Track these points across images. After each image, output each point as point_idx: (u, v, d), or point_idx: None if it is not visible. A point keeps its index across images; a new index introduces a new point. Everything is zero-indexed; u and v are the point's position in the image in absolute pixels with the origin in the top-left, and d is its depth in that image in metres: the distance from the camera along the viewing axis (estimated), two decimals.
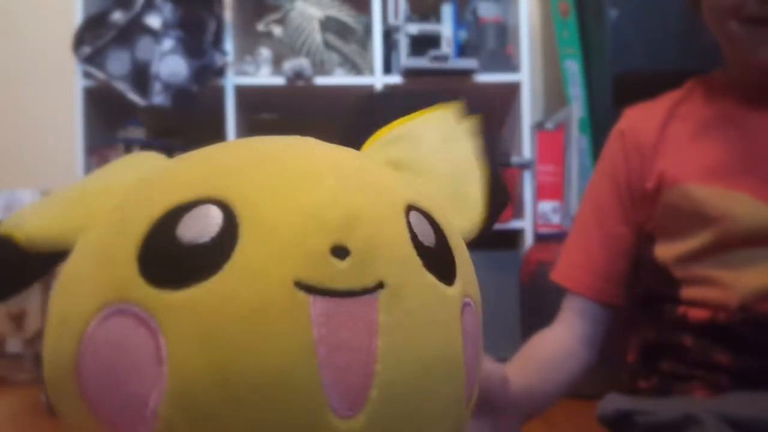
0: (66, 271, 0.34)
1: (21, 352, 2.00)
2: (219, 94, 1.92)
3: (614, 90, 1.82)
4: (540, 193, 1.95)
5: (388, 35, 2.01)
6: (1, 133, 2.30)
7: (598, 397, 0.70)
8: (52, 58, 2.20)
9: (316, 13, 1.97)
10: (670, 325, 0.69)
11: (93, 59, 1.85)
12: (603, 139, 0.79)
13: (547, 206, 1.94)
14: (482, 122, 0.44)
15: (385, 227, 0.32)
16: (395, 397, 0.30)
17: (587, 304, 0.74)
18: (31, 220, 0.35)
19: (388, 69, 1.99)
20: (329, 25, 1.98)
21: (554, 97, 2.21)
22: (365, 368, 0.29)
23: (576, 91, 1.99)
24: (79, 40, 1.87)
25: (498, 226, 0.43)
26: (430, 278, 0.33)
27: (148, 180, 0.35)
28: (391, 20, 2.00)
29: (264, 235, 0.30)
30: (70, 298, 0.32)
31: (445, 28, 2.04)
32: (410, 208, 0.34)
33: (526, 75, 1.95)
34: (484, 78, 1.95)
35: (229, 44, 1.94)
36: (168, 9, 1.84)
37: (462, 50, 2.08)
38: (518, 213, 1.94)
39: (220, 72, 1.91)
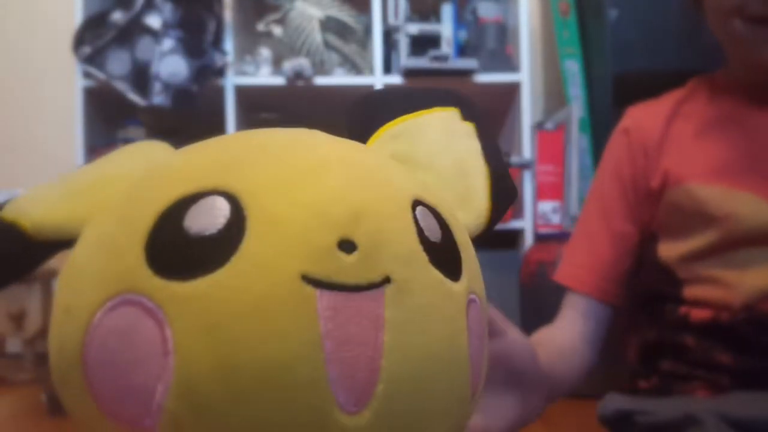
0: (71, 261, 0.34)
1: (21, 352, 2.00)
2: (219, 94, 1.92)
3: (614, 90, 1.82)
4: (540, 193, 1.95)
5: (388, 35, 2.01)
6: (1, 133, 2.30)
7: (598, 397, 0.70)
8: (52, 58, 2.20)
9: (316, 13, 1.97)
10: (671, 324, 0.69)
11: (93, 59, 1.85)
12: (603, 139, 0.79)
13: (547, 206, 1.94)
14: (481, 125, 0.44)
15: (392, 222, 0.32)
16: (400, 393, 0.30)
17: (592, 304, 0.74)
18: (36, 206, 0.35)
19: (388, 69, 1.99)
20: (329, 25, 1.98)
21: (554, 97, 2.21)
22: (371, 363, 0.29)
23: (576, 91, 1.99)
24: (79, 40, 1.87)
25: (498, 226, 0.43)
26: (436, 274, 0.33)
27: (154, 171, 0.35)
28: (391, 20, 2.00)
29: (271, 228, 0.30)
30: (76, 289, 0.32)
31: (445, 28, 2.04)
32: (416, 203, 0.34)
33: (526, 75, 1.95)
34: (484, 78, 1.95)
35: (229, 44, 1.94)
36: (168, 9, 1.84)
37: (462, 50, 2.08)
38: (518, 213, 1.94)
39: (220, 72, 1.91)
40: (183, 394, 0.29)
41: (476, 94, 2.02)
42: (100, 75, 1.84)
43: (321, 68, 1.96)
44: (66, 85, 1.96)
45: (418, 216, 0.34)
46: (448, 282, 0.34)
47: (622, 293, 0.75)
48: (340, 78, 1.97)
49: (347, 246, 0.30)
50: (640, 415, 0.65)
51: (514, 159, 1.94)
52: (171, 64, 1.81)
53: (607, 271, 0.74)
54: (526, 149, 1.94)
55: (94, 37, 1.86)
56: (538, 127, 1.98)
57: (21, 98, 2.29)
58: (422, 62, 1.91)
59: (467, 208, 0.41)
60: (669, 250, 0.71)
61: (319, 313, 0.29)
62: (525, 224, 1.91)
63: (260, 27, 2.05)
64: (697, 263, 0.67)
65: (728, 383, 0.64)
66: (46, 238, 0.35)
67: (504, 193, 0.43)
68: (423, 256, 0.33)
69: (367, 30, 2.03)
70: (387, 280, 0.30)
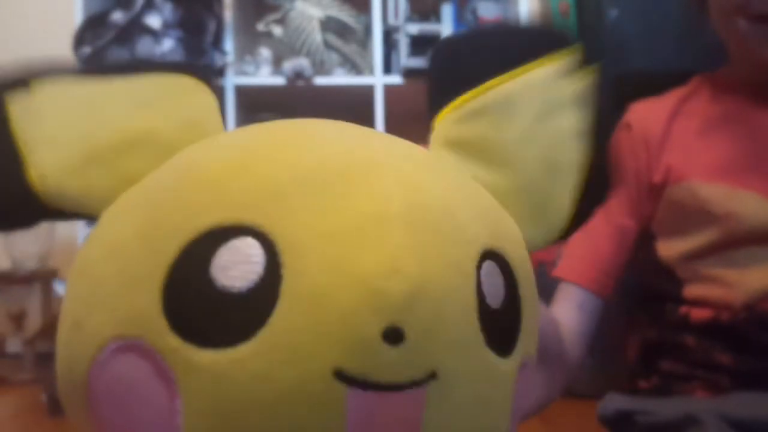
0: (85, 260, 0.31)
1: (21, 352, 2.00)
2: (219, 94, 1.91)
3: (614, 90, 1.82)
4: None
5: (388, 35, 2.01)
6: None
7: (598, 397, 0.70)
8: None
9: (316, 13, 1.97)
10: (671, 324, 0.69)
11: (93, 59, 1.85)
12: None
13: None
14: (600, 74, 0.38)
15: (452, 301, 0.27)
16: None
17: (588, 296, 0.73)
18: (50, 156, 0.31)
19: (388, 69, 1.98)
20: (329, 25, 1.98)
21: None
22: None
23: None
24: (79, 40, 1.87)
25: None
26: (489, 358, 0.29)
27: (184, 169, 0.30)
28: (391, 20, 2.00)
29: (309, 302, 0.25)
30: (87, 304, 0.30)
31: (445, 28, 2.04)
32: (484, 256, 0.30)
33: None
34: None
35: (229, 44, 1.94)
36: (168, 9, 1.84)
37: None
38: None
39: (220, 72, 1.91)
40: None
41: None
42: None
43: (321, 68, 1.96)
44: None
45: (484, 278, 0.29)
46: (500, 362, 0.30)
47: (615, 288, 0.75)
48: (340, 78, 1.96)
49: (394, 336, 0.25)
50: (640, 415, 0.65)
51: None
52: None
53: (605, 265, 0.74)
54: None
55: (94, 37, 1.86)
56: None
57: None
58: (422, 62, 1.91)
59: (542, 218, 0.37)
60: (669, 249, 0.70)
61: (347, 416, 0.25)
62: None
63: (260, 27, 2.05)
64: (698, 262, 0.67)
65: (728, 384, 0.64)
66: (60, 206, 0.31)
67: (601, 180, 0.38)
68: (479, 339, 0.29)
69: (367, 30, 2.03)
70: (433, 375, 0.26)
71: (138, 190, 0.31)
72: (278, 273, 0.26)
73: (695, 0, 0.73)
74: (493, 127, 0.36)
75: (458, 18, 2.08)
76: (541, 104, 0.37)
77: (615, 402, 0.68)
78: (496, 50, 0.38)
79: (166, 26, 1.83)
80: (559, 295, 0.74)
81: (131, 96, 0.33)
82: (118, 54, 1.84)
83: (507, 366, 0.30)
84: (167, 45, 1.82)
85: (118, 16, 1.86)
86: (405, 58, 1.96)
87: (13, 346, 2.10)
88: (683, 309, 0.68)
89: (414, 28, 2.01)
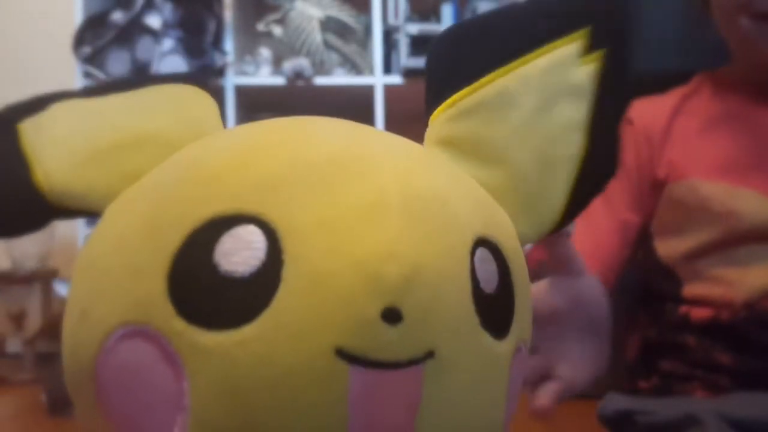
0: (90, 253, 0.32)
1: (21, 352, 2.00)
2: (219, 94, 1.91)
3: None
4: None
5: (388, 35, 2.01)
6: None
7: (598, 397, 0.70)
8: (52, 58, 2.20)
9: (316, 13, 1.97)
10: (671, 324, 0.69)
11: (93, 59, 1.85)
12: None
13: None
14: (615, 46, 0.37)
15: (447, 284, 0.29)
16: None
17: None
18: (56, 159, 0.32)
19: (388, 69, 1.99)
20: (329, 25, 1.98)
21: None
22: None
23: None
24: (79, 40, 1.87)
25: None
26: (484, 340, 0.30)
27: (189, 168, 0.31)
28: (391, 20, 2.00)
29: (310, 284, 0.27)
30: (94, 294, 0.30)
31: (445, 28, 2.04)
32: (478, 243, 0.31)
33: None
34: None
35: (229, 44, 1.94)
36: (168, 9, 1.84)
37: None
38: None
39: (220, 72, 1.91)
40: None
41: None
42: (100, 75, 1.84)
43: (321, 68, 1.96)
44: (66, 85, 1.96)
45: (477, 264, 0.30)
46: (495, 344, 0.31)
47: (615, 283, 0.75)
48: (340, 78, 1.96)
49: (393, 315, 0.26)
50: (640, 415, 0.65)
51: None
52: (171, 64, 1.81)
53: (608, 259, 0.73)
54: None
55: (94, 37, 1.86)
56: None
57: (21, 98, 2.29)
58: (422, 62, 1.91)
59: (534, 213, 0.37)
60: (669, 248, 0.70)
61: (349, 392, 0.26)
62: None
63: (260, 27, 2.05)
64: (698, 261, 0.67)
65: (728, 384, 0.64)
66: (66, 204, 0.32)
67: (598, 172, 0.37)
68: (474, 321, 0.30)
69: (367, 30, 2.03)
70: (430, 354, 0.27)
71: (140, 187, 0.32)
72: (279, 258, 0.27)
73: None
74: (486, 125, 0.36)
75: (458, 18, 2.08)
76: (538, 98, 0.37)
77: (615, 402, 0.68)
78: (496, 40, 0.37)
79: (166, 26, 1.83)
80: None
81: (133, 102, 0.35)
82: (118, 54, 1.84)
83: (502, 348, 0.31)
84: (167, 45, 1.82)
85: (118, 16, 1.86)
86: (405, 58, 1.96)
87: (13, 346, 2.11)
88: (683, 308, 0.68)
89: (414, 28, 2.01)
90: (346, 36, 2.01)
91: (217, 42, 1.91)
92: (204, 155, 0.31)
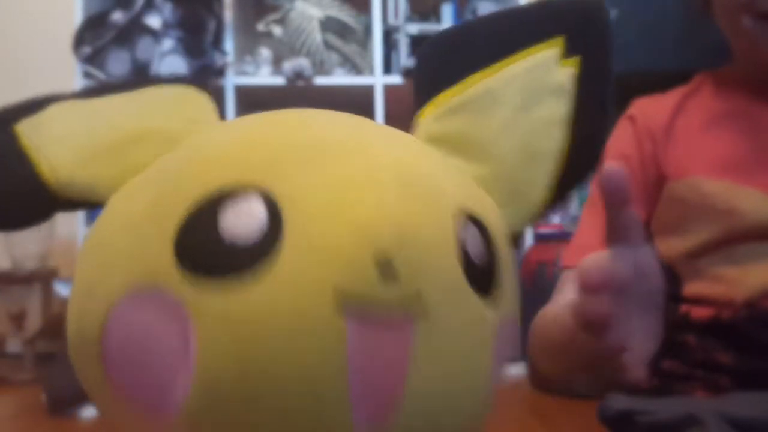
0: (96, 234, 0.33)
1: (21, 352, 2.00)
2: (219, 94, 1.91)
3: (614, 90, 1.82)
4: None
5: (388, 35, 2.01)
6: None
7: (598, 397, 0.70)
8: (52, 58, 2.20)
9: (316, 13, 1.97)
10: (671, 324, 0.69)
11: (93, 59, 1.85)
12: None
13: None
14: (593, 53, 0.39)
15: (437, 247, 0.31)
16: (417, 425, 0.30)
17: None
18: (61, 155, 0.34)
19: (388, 69, 1.99)
20: (329, 25, 1.98)
21: None
22: (393, 394, 0.29)
23: None
24: (79, 40, 1.87)
25: None
26: (473, 303, 0.32)
27: (191, 150, 0.33)
28: (391, 20, 2.00)
29: (309, 245, 0.29)
30: (100, 269, 0.32)
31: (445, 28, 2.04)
32: (465, 217, 0.33)
33: None
34: None
35: (229, 44, 1.94)
36: (168, 9, 1.84)
37: None
38: None
39: (220, 72, 1.91)
40: (202, 396, 0.29)
41: None
42: (100, 75, 1.84)
43: (321, 68, 1.96)
44: (66, 85, 1.96)
45: (464, 235, 0.32)
46: (482, 308, 0.33)
47: None
48: (340, 78, 1.97)
49: (387, 271, 0.29)
50: (640, 415, 0.65)
51: None
52: (171, 64, 1.81)
53: None
54: None
55: (94, 37, 1.86)
56: None
57: (21, 98, 2.28)
58: None
59: (518, 204, 0.39)
60: (668, 247, 0.70)
61: (348, 339, 0.28)
62: None
63: (260, 27, 2.05)
64: (699, 260, 0.67)
65: (728, 384, 0.64)
66: (71, 196, 0.34)
67: (578, 166, 0.39)
68: (463, 285, 0.32)
69: (367, 30, 2.03)
70: (421, 310, 0.30)
71: (144, 175, 0.33)
72: (280, 223, 0.29)
73: None
74: (471, 123, 0.38)
75: (458, 18, 2.08)
76: (521, 96, 0.39)
77: (615, 402, 0.68)
78: (481, 44, 0.39)
79: (166, 26, 1.83)
80: (566, 282, 0.72)
81: (131, 102, 0.37)
82: (118, 54, 1.84)
83: (489, 314, 0.33)
84: (167, 45, 1.82)
85: (118, 16, 1.86)
86: (405, 58, 1.96)
87: (13, 346, 2.10)
88: (683, 308, 0.68)
89: (414, 28, 2.01)
90: (346, 36, 2.01)
91: (217, 42, 1.91)
92: (206, 141, 0.34)
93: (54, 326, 2.01)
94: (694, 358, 0.67)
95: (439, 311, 0.30)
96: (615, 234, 0.42)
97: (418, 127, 0.39)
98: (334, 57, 2.00)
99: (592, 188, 0.78)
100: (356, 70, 2.01)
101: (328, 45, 1.99)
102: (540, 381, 1.70)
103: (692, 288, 0.68)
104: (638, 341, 0.43)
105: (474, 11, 2.05)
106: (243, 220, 0.29)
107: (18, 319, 2.09)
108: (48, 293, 2.06)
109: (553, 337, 0.62)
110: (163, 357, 0.29)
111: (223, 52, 1.92)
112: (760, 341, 0.64)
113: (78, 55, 1.87)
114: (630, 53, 1.97)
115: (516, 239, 0.40)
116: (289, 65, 1.91)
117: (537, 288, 1.69)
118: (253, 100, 2.05)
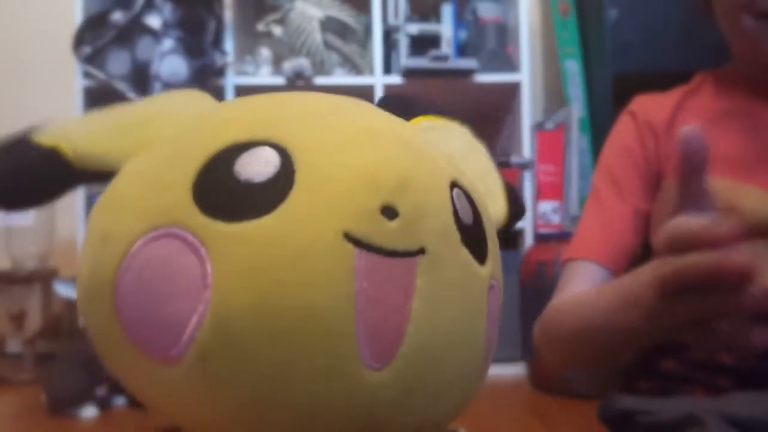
0: (111, 190, 0.35)
1: (21, 352, 2.00)
2: (219, 94, 1.92)
3: (614, 90, 1.82)
4: (540, 193, 1.95)
5: (388, 35, 2.01)
6: (1, 133, 2.30)
7: (598, 397, 0.70)
8: (52, 58, 2.20)
9: (316, 13, 1.97)
10: None
11: (93, 59, 1.85)
12: (603, 139, 0.79)
13: (547, 206, 1.94)
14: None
15: (433, 197, 0.33)
16: (421, 359, 0.32)
17: (603, 273, 0.71)
18: (80, 135, 0.36)
19: (388, 69, 1.99)
20: (329, 25, 1.98)
21: (554, 97, 2.21)
22: (398, 327, 0.31)
23: (576, 91, 1.99)
24: (79, 40, 1.87)
25: None
26: (466, 254, 0.35)
27: (205, 116, 0.36)
28: (391, 20, 2.00)
29: (319, 185, 0.31)
30: (116, 217, 0.33)
31: (445, 28, 2.04)
32: (453, 184, 0.36)
33: (526, 75, 1.95)
34: (484, 78, 1.95)
35: (229, 44, 1.94)
36: (168, 9, 1.84)
37: (462, 50, 2.08)
38: None
39: (220, 72, 1.91)
40: (217, 328, 0.30)
41: (476, 94, 2.02)
42: (100, 75, 1.84)
43: (321, 68, 1.96)
44: (66, 85, 1.96)
45: (455, 197, 0.35)
46: (475, 264, 0.35)
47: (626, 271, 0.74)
48: (340, 78, 1.97)
49: (390, 212, 0.31)
50: (640, 415, 0.65)
51: (514, 159, 1.94)
52: (171, 64, 1.81)
53: (621, 244, 0.72)
54: (526, 149, 1.94)
55: (94, 37, 1.86)
56: (538, 127, 1.98)
57: (21, 98, 2.29)
58: (422, 62, 1.91)
59: (492, 205, 0.43)
60: None
61: (356, 270, 0.30)
62: (525, 224, 1.91)
63: (260, 27, 2.05)
64: None
65: (728, 384, 0.64)
66: (87, 166, 0.35)
67: (517, 206, 0.45)
68: (457, 236, 0.34)
69: (367, 30, 2.03)
70: (422, 251, 0.32)
71: (158, 142, 0.35)
72: (291, 168, 0.31)
73: None
74: (442, 140, 0.42)
75: (458, 18, 2.08)
76: (467, 139, 0.45)
77: (615, 402, 0.68)
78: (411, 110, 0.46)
79: (166, 26, 1.83)
80: (571, 273, 0.72)
81: (145, 102, 0.40)
82: (118, 54, 1.84)
83: (481, 270, 0.36)
84: (167, 45, 1.82)
85: (118, 16, 1.86)
86: (405, 58, 1.96)
87: (13, 346, 2.10)
88: None
89: (414, 28, 2.01)
90: (346, 36, 2.01)
91: (217, 42, 1.91)
92: (219, 108, 0.37)
93: (54, 326, 2.01)
94: (695, 358, 0.67)
95: (438, 253, 0.32)
96: (687, 199, 0.42)
97: None
98: (334, 57, 2.00)
99: (594, 183, 0.78)
100: (356, 70, 2.01)
101: (328, 45, 1.99)
102: (540, 381, 1.70)
103: None
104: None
105: (474, 11, 2.05)
106: (257, 164, 0.31)
107: (18, 319, 2.09)
108: (48, 293, 2.06)
109: (573, 326, 0.62)
110: (180, 290, 0.30)
111: (223, 52, 1.92)
112: None
113: (78, 55, 1.87)
114: (630, 53, 1.98)
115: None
116: (289, 65, 1.91)
117: (537, 288, 1.69)
118: None
